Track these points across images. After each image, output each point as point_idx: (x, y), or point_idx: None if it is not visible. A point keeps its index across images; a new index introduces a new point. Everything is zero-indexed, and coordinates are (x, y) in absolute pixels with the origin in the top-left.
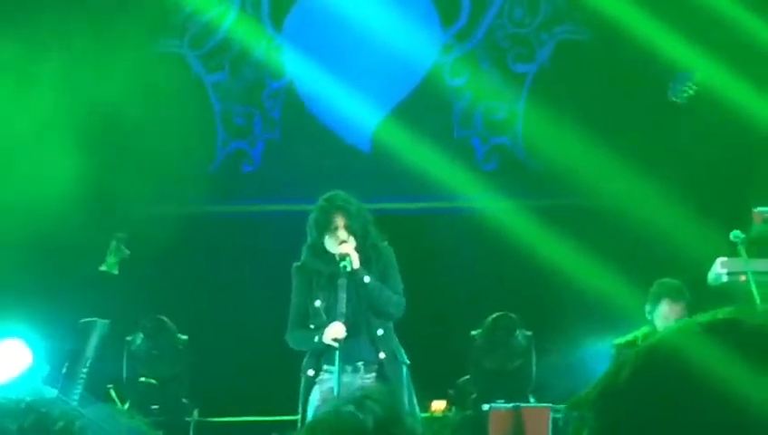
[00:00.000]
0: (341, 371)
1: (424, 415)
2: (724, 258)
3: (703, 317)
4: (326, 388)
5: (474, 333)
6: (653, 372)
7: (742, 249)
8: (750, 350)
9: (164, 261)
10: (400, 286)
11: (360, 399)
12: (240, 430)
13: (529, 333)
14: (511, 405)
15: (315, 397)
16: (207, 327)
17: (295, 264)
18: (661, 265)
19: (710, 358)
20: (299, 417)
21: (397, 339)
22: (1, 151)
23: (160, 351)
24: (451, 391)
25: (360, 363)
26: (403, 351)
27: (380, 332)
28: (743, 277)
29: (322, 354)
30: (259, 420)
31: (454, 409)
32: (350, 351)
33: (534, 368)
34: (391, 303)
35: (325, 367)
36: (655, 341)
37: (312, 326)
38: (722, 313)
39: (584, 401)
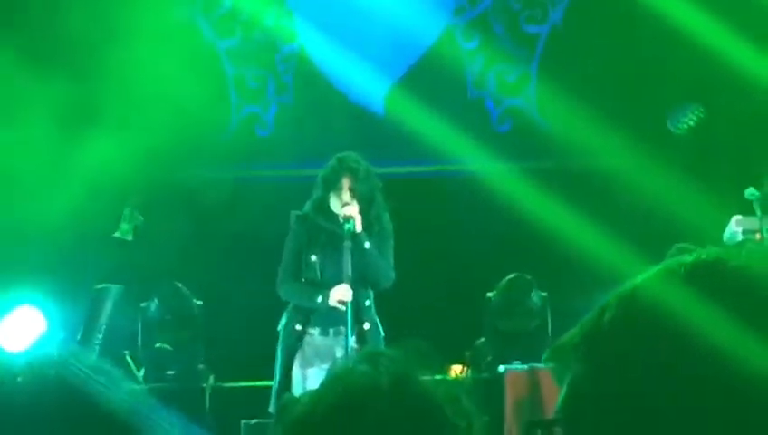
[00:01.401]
0: (324, 333)
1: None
2: (740, 216)
3: (687, 258)
4: (308, 349)
5: (489, 294)
6: (633, 317)
7: (757, 207)
8: (732, 294)
9: (178, 227)
10: (392, 260)
11: (375, 356)
12: (256, 395)
13: (544, 293)
14: (527, 366)
15: (298, 357)
16: (222, 293)
17: (296, 212)
18: (675, 226)
19: (691, 304)
20: (278, 372)
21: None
22: (22, 123)
23: (175, 316)
24: (467, 354)
25: (342, 328)
26: (379, 321)
27: (367, 302)
28: (758, 235)
29: (311, 314)
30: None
31: (470, 371)
32: (334, 314)
33: (550, 329)
34: (383, 273)
35: (308, 328)
36: (637, 283)
37: (303, 280)
38: (706, 253)
39: (567, 345)
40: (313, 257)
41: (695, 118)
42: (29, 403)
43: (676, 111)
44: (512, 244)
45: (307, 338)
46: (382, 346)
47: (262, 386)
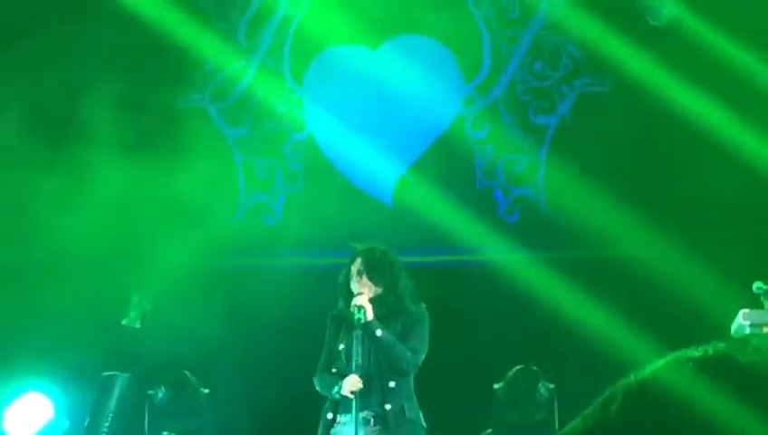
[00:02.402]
0: (355, 422)
1: None
2: (747, 310)
3: (695, 352)
4: None
5: (496, 386)
6: (641, 409)
7: (765, 300)
8: (739, 390)
9: (186, 314)
10: (420, 346)
11: None
12: None
13: (551, 385)
14: None
15: None
16: (230, 380)
17: (332, 313)
18: (686, 317)
19: (701, 395)
20: None
21: (413, 397)
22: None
23: (182, 405)
24: None
25: (368, 414)
26: (418, 410)
27: (392, 384)
28: (765, 329)
29: (340, 402)
30: None
31: None
32: (361, 401)
33: (557, 421)
34: (403, 359)
35: (339, 417)
36: (647, 376)
37: (334, 370)
38: (713, 348)
39: None
40: (341, 347)
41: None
42: None
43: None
44: (520, 334)
45: (338, 427)
46: (412, 432)
47: None
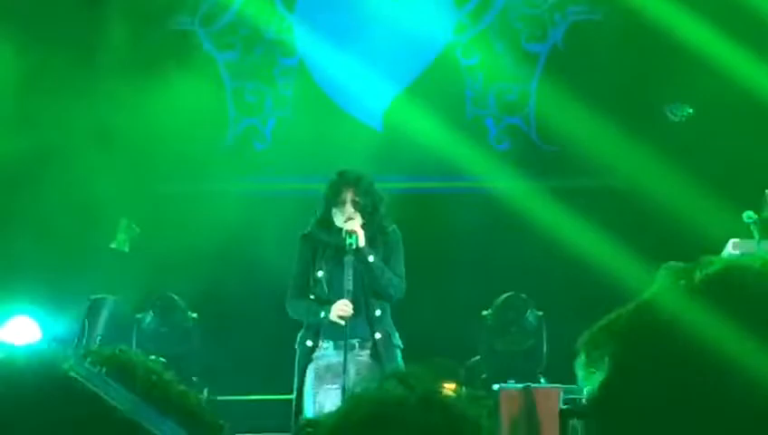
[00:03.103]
0: (338, 347)
1: None
2: (737, 239)
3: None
4: (321, 364)
5: (485, 313)
6: (644, 330)
7: (755, 230)
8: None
9: (175, 238)
10: (402, 270)
11: (403, 375)
12: (250, 408)
13: (540, 313)
14: (521, 386)
15: (310, 373)
16: (218, 305)
17: (302, 232)
18: (675, 246)
19: (701, 320)
20: (294, 390)
21: (391, 321)
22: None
23: (170, 328)
24: (462, 372)
25: (355, 341)
26: (397, 334)
27: (378, 312)
28: None
29: (321, 328)
30: (269, 398)
31: (464, 389)
32: (347, 327)
33: (545, 348)
34: (392, 284)
35: (321, 343)
36: (648, 298)
37: (311, 297)
38: (715, 266)
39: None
40: (320, 274)
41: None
42: (35, 400)
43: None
44: (510, 261)
45: (320, 352)
46: (397, 355)
47: (256, 400)
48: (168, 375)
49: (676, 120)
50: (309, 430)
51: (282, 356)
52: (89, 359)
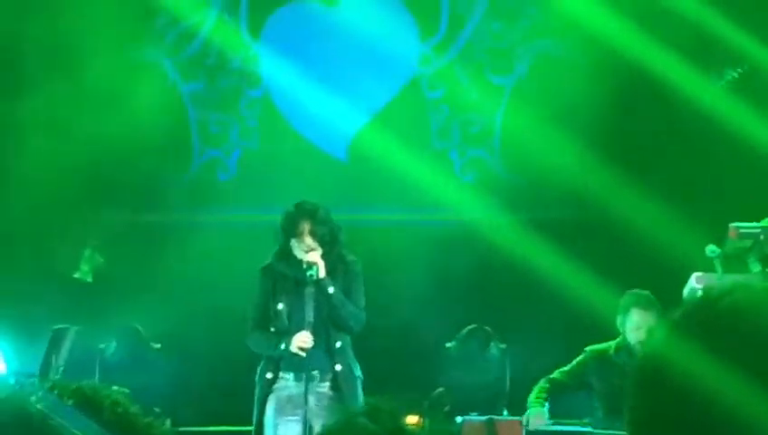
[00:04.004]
0: (299, 378)
1: None
2: (700, 273)
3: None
4: (282, 395)
5: (448, 345)
6: (649, 383)
7: (718, 264)
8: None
9: (138, 269)
10: (362, 302)
11: (371, 411)
12: None
13: (503, 345)
14: (484, 418)
15: (271, 405)
16: (181, 336)
17: (261, 266)
18: (641, 278)
19: (684, 356)
20: (254, 421)
21: (352, 353)
22: None
23: (133, 359)
24: (425, 403)
25: (315, 372)
26: (358, 366)
27: (339, 344)
28: None
29: (281, 360)
30: (233, 429)
31: (427, 421)
32: (307, 359)
33: (508, 381)
34: (352, 316)
35: (281, 374)
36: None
37: (272, 329)
38: (693, 302)
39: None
40: (280, 306)
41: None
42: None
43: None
44: (473, 293)
45: (281, 383)
46: (358, 387)
47: (217, 431)
48: (134, 408)
49: (723, 82)
50: None
51: (246, 388)
52: (55, 392)
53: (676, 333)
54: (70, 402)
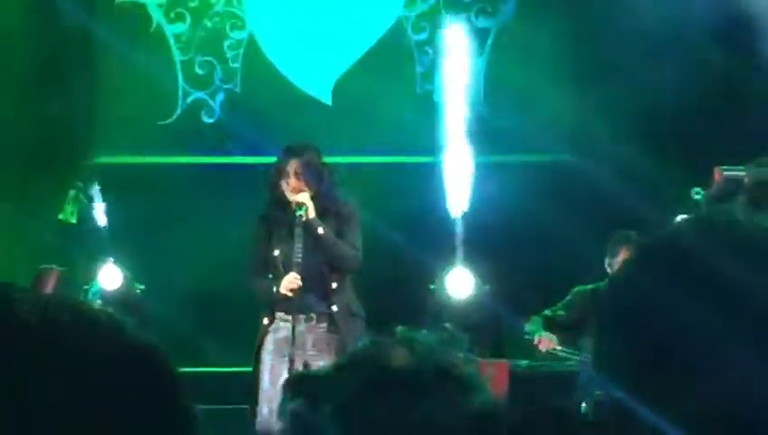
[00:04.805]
0: (296, 322)
1: None
2: (684, 216)
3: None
4: (279, 336)
5: (432, 286)
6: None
7: (702, 207)
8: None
9: (123, 211)
10: (358, 242)
11: (410, 341)
12: (201, 381)
13: (487, 286)
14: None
15: (269, 346)
16: (165, 277)
17: (259, 215)
18: (627, 220)
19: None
20: (252, 365)
21: (353, 293)
22: None
23: (117, 300)
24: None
25: (312, 314)
26: (359, 304)
27: (334, 285)
28: None
29: (277, 303)
30: (220, 371)
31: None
32: (304, 301)
33: (495, 323)
34: (346, 256)
35: (279, 316)
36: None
37: (270, 276)
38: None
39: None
40: (276, 252)
41: None
42: None
43: None
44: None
45: (280, 324)
46: (358, 327)
47: (206, 372)
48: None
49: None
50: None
51: (232, 329)
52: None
53: (642, 271)
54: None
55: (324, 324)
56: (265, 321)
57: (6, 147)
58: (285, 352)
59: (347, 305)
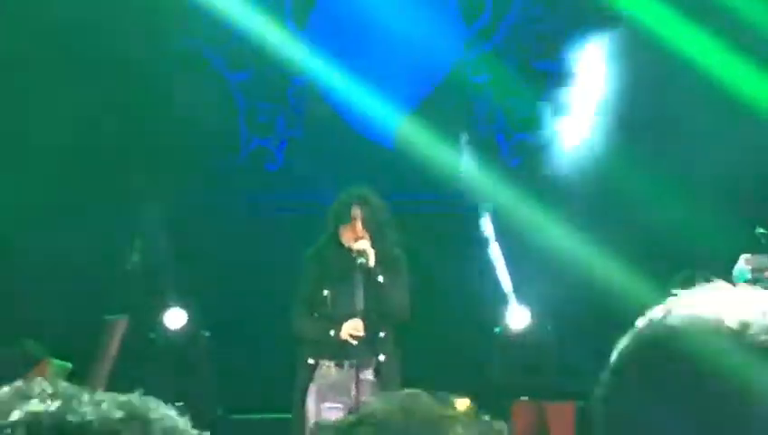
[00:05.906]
0: (341, 366)
1: None
2: (749, 255)
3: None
4: (324, 383)
5: (497, 329)
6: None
7: (766, 245)
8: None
9: (188, 258)
10: (407, 296)
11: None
12: (264, 427)
13: (550, 327)
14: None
15: (313, 392)
16: (231, 323)
17: (308, 251)
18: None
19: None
20: (294, 407)
21: (394, 344)
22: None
23: (183, 346)
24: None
25: (357, 361)
26: (399, 356)
27: (383, 334)
28: (767, 274)
29: (325, 347)
30: (284, 417)
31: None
32: (348, 348)
33: (558, 362)
34: (402, 307)
35: (323, 361)
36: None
37: (315, 315)
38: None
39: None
40: (326, 292)
41: None
42: None
43: None
44: (521, 277)
45: (323, 370)
46: (398, 377)
47: (269, 419)
48: (183, 422)
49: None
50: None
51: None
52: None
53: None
54: (119, 415)
55: (370, 371)
56: (311, 361)
57: None
58: (331, 400)
59: (392, 355)
